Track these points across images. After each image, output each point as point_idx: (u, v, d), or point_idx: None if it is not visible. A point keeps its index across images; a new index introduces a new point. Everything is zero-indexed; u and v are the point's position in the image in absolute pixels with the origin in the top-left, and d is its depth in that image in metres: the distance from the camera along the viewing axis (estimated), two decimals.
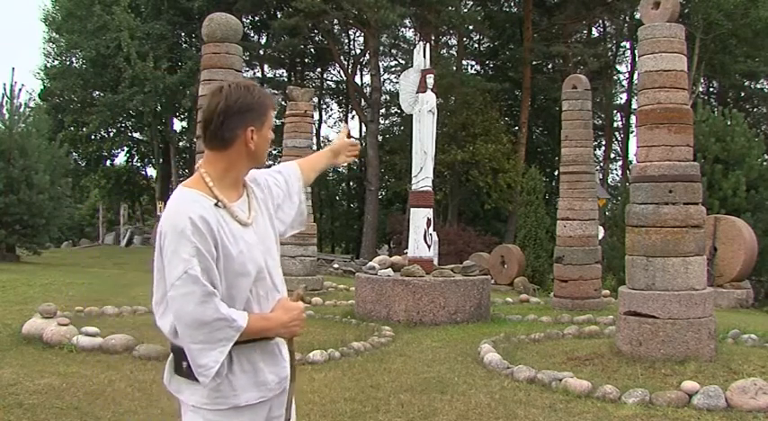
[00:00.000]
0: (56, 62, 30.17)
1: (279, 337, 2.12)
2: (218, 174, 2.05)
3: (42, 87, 29.66)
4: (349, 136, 2.69)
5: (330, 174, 38.84)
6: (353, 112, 35.37)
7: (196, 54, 24.20)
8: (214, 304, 1.92)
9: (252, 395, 2.05)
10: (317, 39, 31.13)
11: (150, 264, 2.16)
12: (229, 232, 2.00)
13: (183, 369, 2.02)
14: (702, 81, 31.87)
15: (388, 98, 31.75)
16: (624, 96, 34.57)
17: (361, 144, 34.53)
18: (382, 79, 31.25)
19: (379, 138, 29.38)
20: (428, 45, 10.79)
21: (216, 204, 2.00)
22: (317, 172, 2.59)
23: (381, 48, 30.15)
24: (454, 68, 28.70)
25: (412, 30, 32.08)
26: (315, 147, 27.76)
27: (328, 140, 40.19)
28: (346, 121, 38.30)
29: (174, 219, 1.94)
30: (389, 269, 10.12)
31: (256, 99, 2.05)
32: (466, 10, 29.58)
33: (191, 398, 2.03)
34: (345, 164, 2.70)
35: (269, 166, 2.41)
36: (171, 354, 2.09)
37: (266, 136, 2.10)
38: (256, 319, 2.01)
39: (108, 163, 33.70)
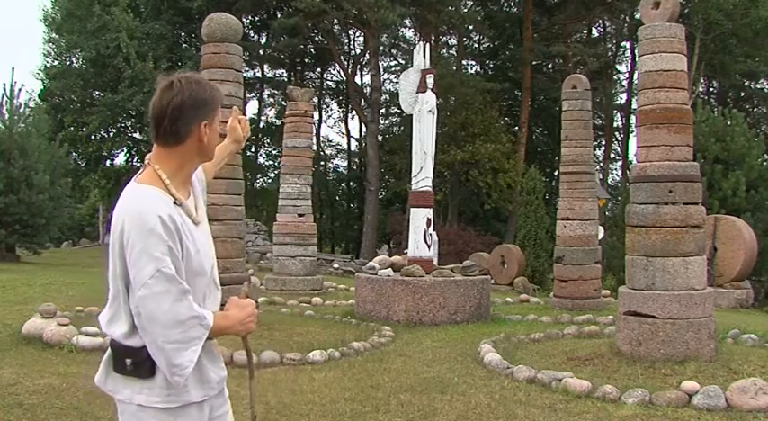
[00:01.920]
0: (56, 62, 30.15)
1: (236, 335, 2.13)
2: (172, 170, 2.03)
3: (42, 87, 29.64)
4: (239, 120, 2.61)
5: (330, 174, 38.89)
6: (353, 112, 35.38)
7: (196, 54, 24.19)
8: (188, 302, 1.91)
9: (198, 392, 2.03)
10: (317, 39, 31.12)
11: None
12: (188, 231, 1.99)
13: (127, 367, 1.98)
14: (702, 81, 31.86)
15: (388, 98, 31.74)
16: (624, 96, 34.59)
17: (361, 144, 34.73)
18: (382, 79, 31.26)
19: (379, 138, 29.38)
20: (428, 45, 10.80)
21: (174, 202, 1.99)
22: (220, 166, 2.57)
23: (381, 48, 30.16)
24: (454, 68, 28.70)
25: (412, 30, 32.12)
26: (315, 148, 27.85)
27: (328, 140, 40.23)
28: (346, 122, 38.37)
29: (140, 217, 1.90)
30: (389, 269, 10.12)
31: (208, 93, 2.03)
32: (466, 10, 29.58)
33: (136, 397, 1.98)
34: (244, 142, 2.64)
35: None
36: (109, 353, 2.06)
37: (217, 130, 2.08)
38: (218, 317, 2.02)
39: (108, 163, 33.69)
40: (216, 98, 2.06)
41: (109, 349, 2.06)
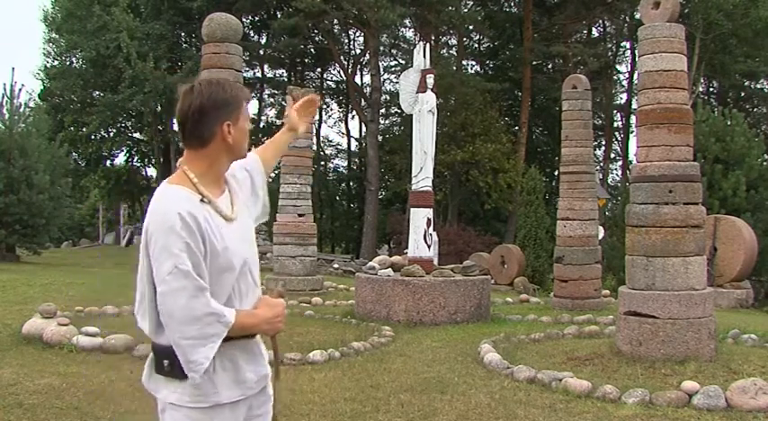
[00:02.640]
0: (56, 62, 30.18)
1: (263, 334, 2.14)
2: (201, 171, 2.06)
3: (42, 87, 29.67)
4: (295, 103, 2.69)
5: (330, 174, 38.89)
6: (353, 112, 35.39)
7: (196, 54, 24.21)
8: (205, 299, 1.93)
9: (233, 393, 2.06)
10: (317, 39, 31.13)
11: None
12: (215, 228, 2.01)
13: (165, 367, 2.02)
14: (702, 81, 31.86)
15: (388, 98, 31.73)
16: (624, 96, 34.59)
17: (361, 144, 34.72)
18: (382, 79, 31.25)
19: (379, 138, 29.37)
20: (428, 45, 10.78)
21: (201, 200, 2.02)
22: (279, 155, 2.62)
23: (381, 48, 30.15)
24: (454, 68, 28.69)
25: (412, 30, 32.11)
26: (315, 148, 27.83)
27: (329, 140, 40.26)
28: (346, 122, 38.37)
29: (162, 215, 1.95)
30: (389, 269, 10.11)
31: (229, 94, 2.06)
32: (466, 10, 29.56)
33: (170, 396, 2.03)
34: (306, 125, 2.70)
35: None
36: (151, 354, 2.10)
37: (243, 128, 2.10)
38: (243, 315, 2.03)
39: (108, 163, 33.71)
40: (237, 97, 2.08)
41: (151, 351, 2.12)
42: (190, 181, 2.04)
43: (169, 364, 2.00)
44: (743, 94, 33.95)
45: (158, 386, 2.07)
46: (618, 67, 35.16)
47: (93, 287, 12.00)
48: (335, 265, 20.21)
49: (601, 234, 13.68)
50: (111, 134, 31.21)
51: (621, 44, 34.24)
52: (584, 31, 34.12)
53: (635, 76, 27.59)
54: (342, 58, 32.43)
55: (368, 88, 32.04)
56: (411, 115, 10.37)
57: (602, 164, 32.10)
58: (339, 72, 35.60)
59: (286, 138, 2.62)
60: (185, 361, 1.93)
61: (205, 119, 2.02)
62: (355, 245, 32.63)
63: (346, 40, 34.26)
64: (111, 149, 32.06)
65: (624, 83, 35.29)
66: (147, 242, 1.97)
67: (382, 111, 31.05)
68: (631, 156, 27.96)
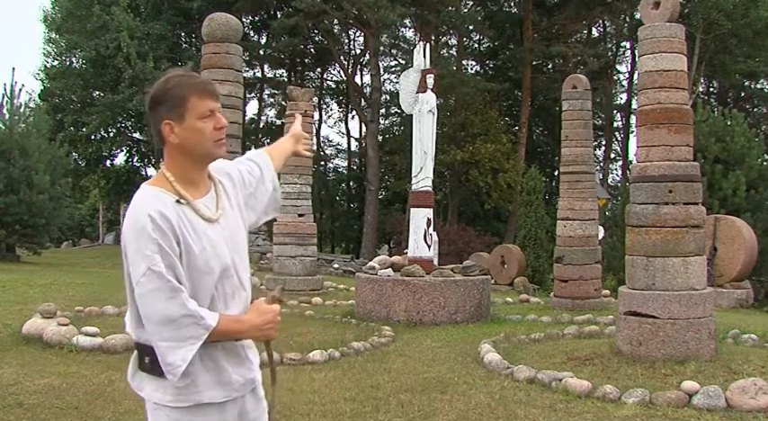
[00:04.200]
0: (56, 62, 30.16)
1: (253, 340, 2.09)
2: (175, 169, 2.01)
3: (42, 87, 29.65)
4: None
5: (330, 174, 38.90)
6: (353, 112, 35.40)
7: (196, 54, 24.20)
8: (181, 300, 1.88)
9: (216, 393, 2.01)
10: (317, 39, 31.14)
11: None
12: (192, 229, 1.95)
13: (146, 364, 1.98)
14: (702, 81, 31.87)
15: (388, 98, 31.73)
16: (624, 96, 34.60)
17: (361, 144, 34.73)
18: (382, 79, 31.26)
19: (379, 138, 29.38)
20: (428, 45, 10.78)
21: (177, 201, 1.96)
22: (285, 159, 2.53)
23: (381, 48, 30.16)
24: (454, 68, 28.70)
25: (412, 30, 32.12)
26: (315, 148, 27.91)
27: (328, 140, 40.32)
28: (346, 122, 38.39)
29: (134, 217, 1.90)
30: (389, 269, 10.11)
31: (167, 90, 1.96)
32: (466, 10, 29.59)
33: (152, 395, 1.99)
34: (305, 154, 2.64)
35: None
36: (135, 351, 2.06)
37: (194, 127, 1.97)
38: (228, 321, 1.97)
39: (108, 163, 33.66)
40: (178, 95, 1.95)
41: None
42: (167, 181, 1.98)
43: (150, 361, 1.97)
44: (743, 94, 33.98)
45: (142, 384, 2.02)
46: (618, 67, 35.21)
47: (93, 287, 11.99)
48: (335, 265, 20.21)
49: (601, 234, 13.68)
50: (111, 134, 31.17)
51: (621, 44, 34.27)
52: (584, 31, 34.13)
53: (635, 76, 27.60)
54: (342, 58, 32.44)
55: (368, 88, 32.06)
56: (411, 115, 10.37)
57: (602, 164, 32.11)
58: (339, 72, 35.64)
59: (291, 146, 2.55)
60: (163, 362, 1.90)
61: (150, 117, 1.97)
62: (355, 245, 32.64)
63: (346, 40, 34.27)
64: (111, 149, 32.02)
65: (624, 83, 35.33)
66: (124, 244, 1.93)
67: (382, 111, 31.08)
68: (631, 156, 27.98)
